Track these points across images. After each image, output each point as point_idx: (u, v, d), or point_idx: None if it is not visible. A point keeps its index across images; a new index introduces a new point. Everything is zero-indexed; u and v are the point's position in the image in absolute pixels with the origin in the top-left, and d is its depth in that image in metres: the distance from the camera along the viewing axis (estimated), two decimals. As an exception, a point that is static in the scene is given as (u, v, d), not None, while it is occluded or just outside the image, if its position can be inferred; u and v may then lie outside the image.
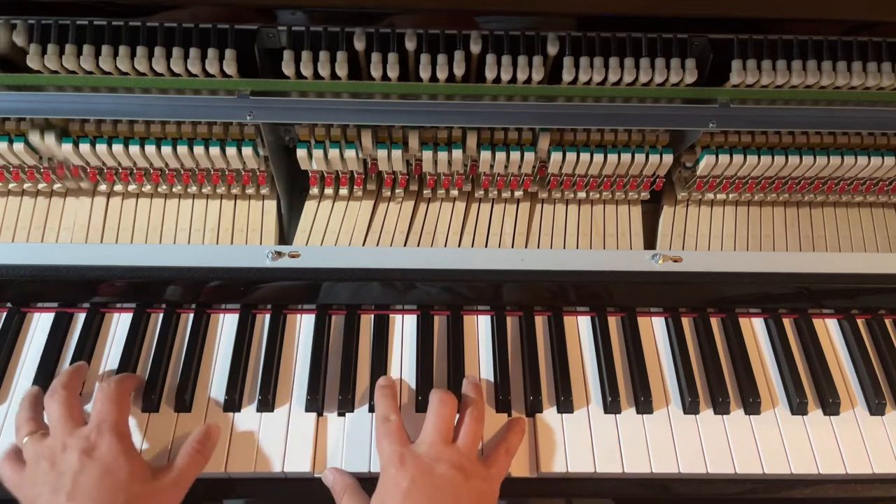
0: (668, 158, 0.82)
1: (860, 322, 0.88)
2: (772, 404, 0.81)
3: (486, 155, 0.81)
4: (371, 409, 0.78)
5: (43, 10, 0.74)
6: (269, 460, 0.74)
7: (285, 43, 0.77)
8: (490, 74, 0.76)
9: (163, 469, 0.70)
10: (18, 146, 0.78)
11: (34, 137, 0.78)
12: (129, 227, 0.88)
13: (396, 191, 0.90)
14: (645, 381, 0.80)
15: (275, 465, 0.74)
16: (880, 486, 0.77)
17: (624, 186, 0.88)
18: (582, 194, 0.90)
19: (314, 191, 0.90)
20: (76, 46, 0.75)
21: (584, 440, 0.77)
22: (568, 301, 0.86)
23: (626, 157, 0.81)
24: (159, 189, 0.88)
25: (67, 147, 0.79)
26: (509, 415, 0.78)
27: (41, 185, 0.87)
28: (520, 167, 0.84)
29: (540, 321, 0.86)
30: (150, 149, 0.79)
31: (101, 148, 0.79)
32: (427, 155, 0.82)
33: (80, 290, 0.83)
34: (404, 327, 0.85)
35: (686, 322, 0.86)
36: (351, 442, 0.76)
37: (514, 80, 0.77)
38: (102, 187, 0.88)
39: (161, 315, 0.84)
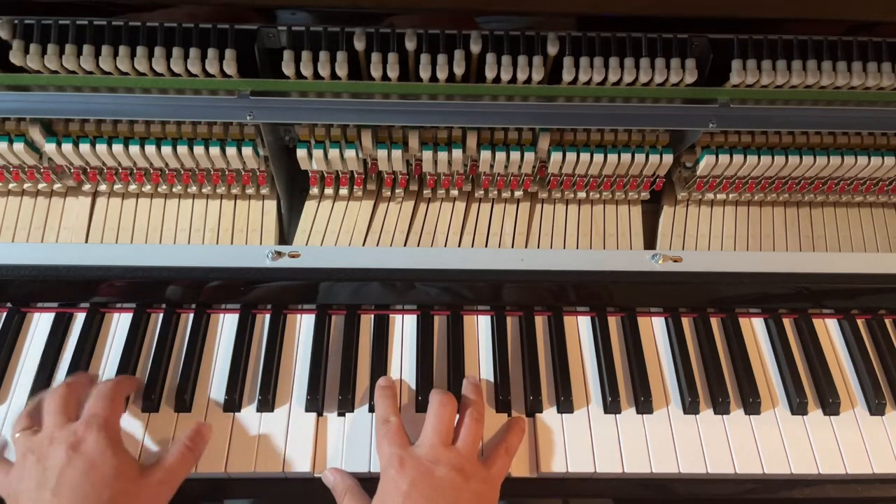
0: (668, 158, 0.82)
1: (860, 322, 0.88)
2: (772, 404, 0.81)
3: (486, 155, 0.81)
4: (371, 410, 0.78)
5: (43, 10, 0.74)
6: (269, 460, 0.74)
7: (285, 43, 0.77)
8: (490, 74, 0.76)
9: (151, 466, 0.69)
10: (18, 146, 0.78)
11: (35, 135, 0.78)
12: (129, 227, 0.88)
13: (396, 191, 0.90)
14: (645, 381, 0.80)
15: (275, 466, 0.74)
16: (880, 486, 0.77)
17: (624, 186, 0.88)
18: (582, 194, 0.90)
19: (314, 191, 0.90)
20: (76, 46, 0.75)
21: (584, 440, 0.77)
22: (568, 301, 0.86)
23: (626, 157, 0.81)
24: (159, 189, 0.88)
25: (67, 147, 0.79)
26: (509, 415, 0.78)
27: (41, 185, 0.87)
28: (520, 167, 0.84)
29: (540, 321, 0.86)
30: (150, 149, 0.79)
31: (102, 148, 0.79)
32: (427, 155, 0.82)
33: (80, 290, 0.83)
34: (404, 327, 0.85)
35: (686, 322, 0.86)
36: (351, 442, 0.76)
37: (514, 80, 0.77)
38: (103, 187, 0.88)
39: (161, 315, 0.84)
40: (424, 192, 0.91)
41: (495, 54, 0.76)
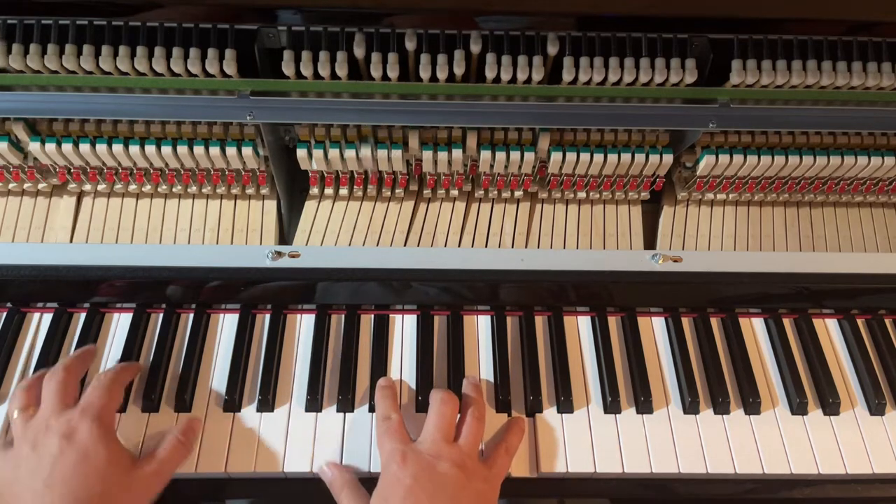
0: (668, 158, 0.82)
1: (860, 322, 0.88)
2: (772, 404, 0.81)
3: (486, 155, 0.81)
4: (371, 410, 0.78)
5: (43, 10, 0.74)
6: (268, 460, 0.74)
7: (285, 43, 0.77)
8: (490, 74, 0.76)
9: (143, 459, 0.69)
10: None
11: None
12: (129, 227, 0.88)
13: (396, 191, 0.90)
14: (645, 381, 0.80)
15: (275, 466, 0.74)
16: (880, 486, 0.77)
17: (624, 186, 0.88)
18: (582, 194, 0.90)
19: (314, 191, 0.90)
20: (76, 46, 0.75)
21: (584, 440, 0.77)
22: (568, 301, 0.86)
23: (626, 157, 0.81)
24: (159, 189, 0.88)
25: (68, 147, 0.79)
26: (509, 415, 0.78)
27: (41, 186, 0.87)
28: (520, 167, 0.84)
29: (540, 321, 0.86)
30: (150, 149, 0.79)
31: (101, 148, 0.79)
32: (427, 155, 0.82)
33: (80, 290, 0.83)
34: (404, 327, 0.85)
35: (686, 322, 0.86)
36: (351, 442, 0.76)
37: (514, 80, 0.77)
38: (102, 187, 0.88)
39: (161, 315, 0.84)
40: (424, 192, 0.90)
41: (495, 54, 0.76)
